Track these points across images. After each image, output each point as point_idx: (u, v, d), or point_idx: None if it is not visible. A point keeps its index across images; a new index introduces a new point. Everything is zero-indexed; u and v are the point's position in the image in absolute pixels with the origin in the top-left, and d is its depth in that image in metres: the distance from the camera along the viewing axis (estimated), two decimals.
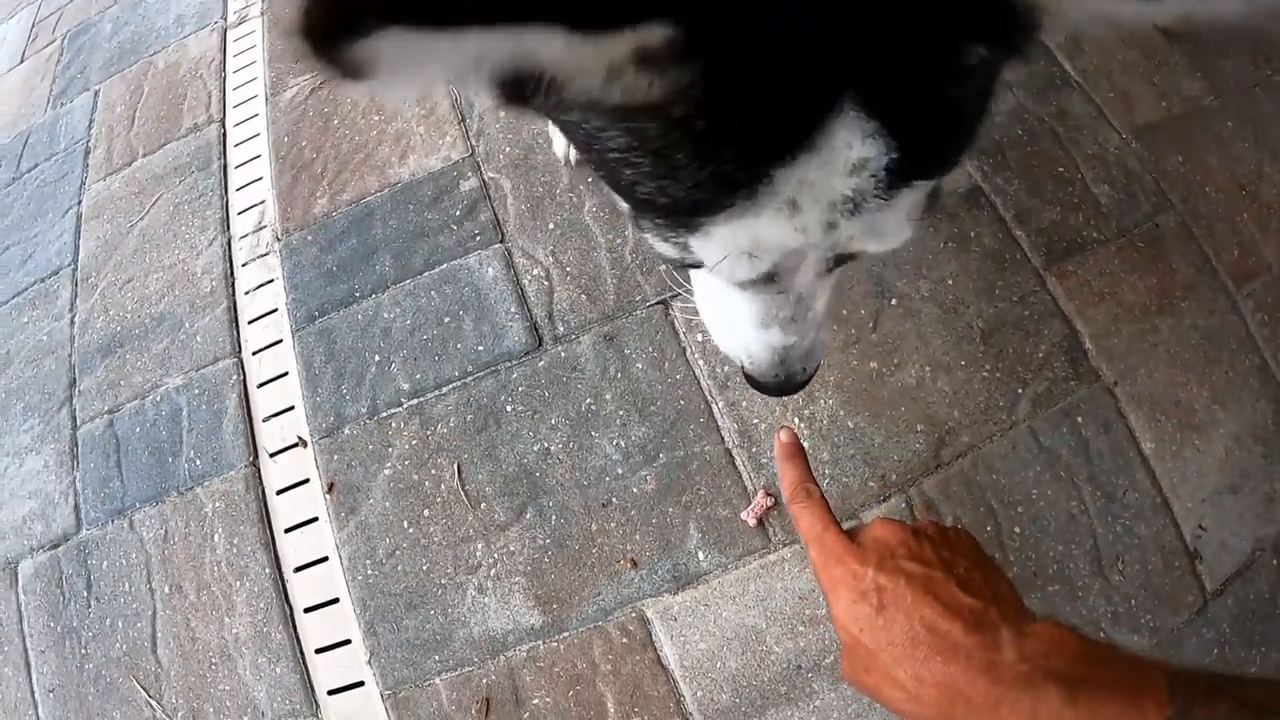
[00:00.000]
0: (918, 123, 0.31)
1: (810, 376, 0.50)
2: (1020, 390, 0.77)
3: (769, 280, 0.39)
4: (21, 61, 1.38)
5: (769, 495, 0.70)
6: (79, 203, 1.10)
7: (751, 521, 0.70)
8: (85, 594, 0.91)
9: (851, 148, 0.30)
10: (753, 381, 0.50)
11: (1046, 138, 0.94)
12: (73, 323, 1.02)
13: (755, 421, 0.74)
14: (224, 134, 1.00)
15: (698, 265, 0.38)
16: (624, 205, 0.38)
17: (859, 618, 0.39)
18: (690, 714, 0.68)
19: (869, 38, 0.28)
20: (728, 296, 0.45)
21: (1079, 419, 0.79)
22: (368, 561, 0.74)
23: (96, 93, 1.19)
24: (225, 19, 1.13)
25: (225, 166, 0.96)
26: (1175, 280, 0.92)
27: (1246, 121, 1.07)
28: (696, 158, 0.30)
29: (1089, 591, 0.74)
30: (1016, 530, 0.73)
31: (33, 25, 1.40)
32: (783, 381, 0.49)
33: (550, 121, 0.82)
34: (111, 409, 0.93)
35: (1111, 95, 1.02)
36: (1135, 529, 0.78)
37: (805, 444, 0.76)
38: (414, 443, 0.73)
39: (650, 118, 0.28)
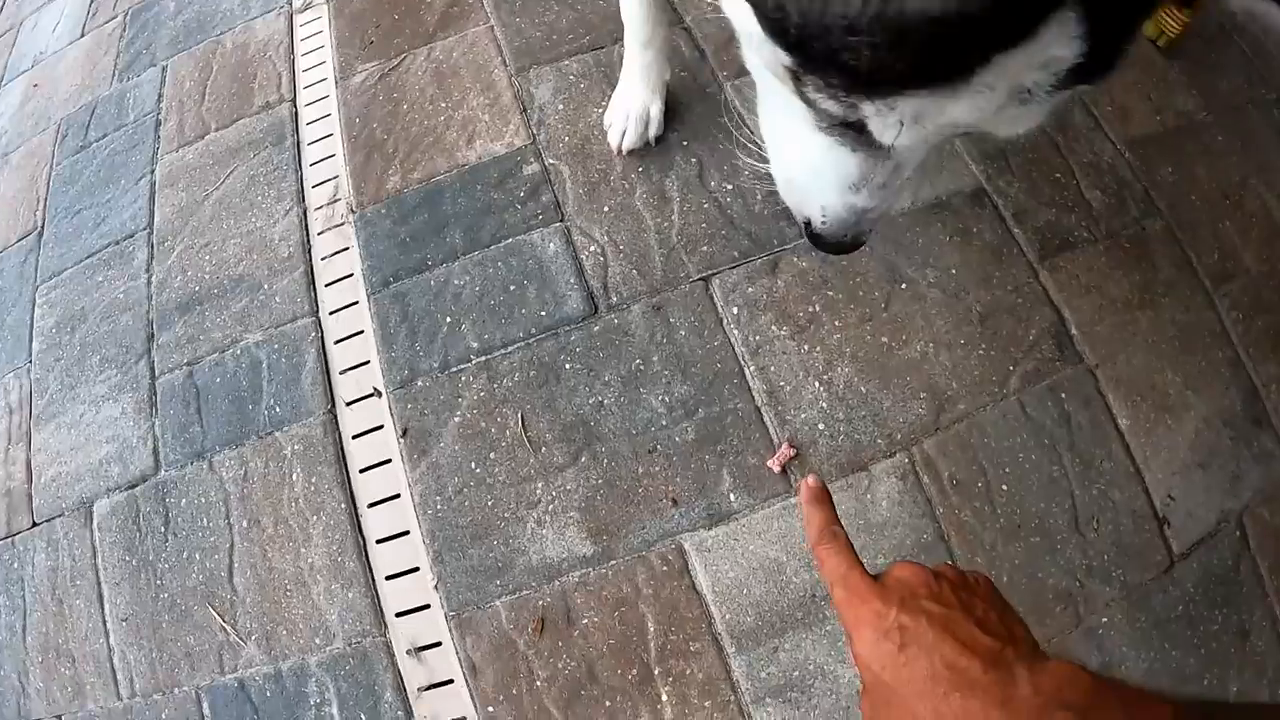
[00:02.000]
0: (1109, 35, 0.35)
1: (863, 243, 0.52)
2: (1011, 367, 0.91)
3: (863, 130, 0.39)
4: (83, 35, 1.50)
5: (792, 446, 0.83)
6: (152, 171, 1.22)
7: (776, 468, 0.83)
8: (162, 530, 1.03)
9: (1058, 44, 0.33)
10: (816, 240, 0.52)
11: (1047, 146, 1.08)
12: (149, 282, 1.14)
13: (781, 384, 0.87)
14: (295, 113, 1.13)
15: (854, 124, 0.39)
16: (792, 81, 0.39)
17: (881, 655, 0.41)
18: (720, 634, 0.81)
19: None
20: (825, 154, 0.45)
21: (1062, 395, 0.93)
22: (437, 498, 0.87)
23: (164, 68, 1.31)
24: (290, 3, 1.26)
25: (299, 143, 1.09)
26: (1157, 278, 1.06)
27: (1237, 136, 1.22)
28: (939, 28, 0.31)
29: (1066, 545, 0.88)
30: (1004, 488, 0.87)
31: (91, 0, 1.52)
32: (848, 242, 0.51)
33: (608, 113, 0.97)
34: (191, 361, 1.06)
35: (1110, 109, 1.16)
36: (1109, 494, 0.92)
37: (824, 405, 0.91)
38: (482, 394, 0.87)
39: None
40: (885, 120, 0.37)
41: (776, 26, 0.36)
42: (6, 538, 1.13)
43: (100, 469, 1.09)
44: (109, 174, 1.28)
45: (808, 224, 0.52)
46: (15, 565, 1.11)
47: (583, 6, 1.07)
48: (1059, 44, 0.33)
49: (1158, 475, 0.93)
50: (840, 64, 0.35)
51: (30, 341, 1.24)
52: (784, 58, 0.38)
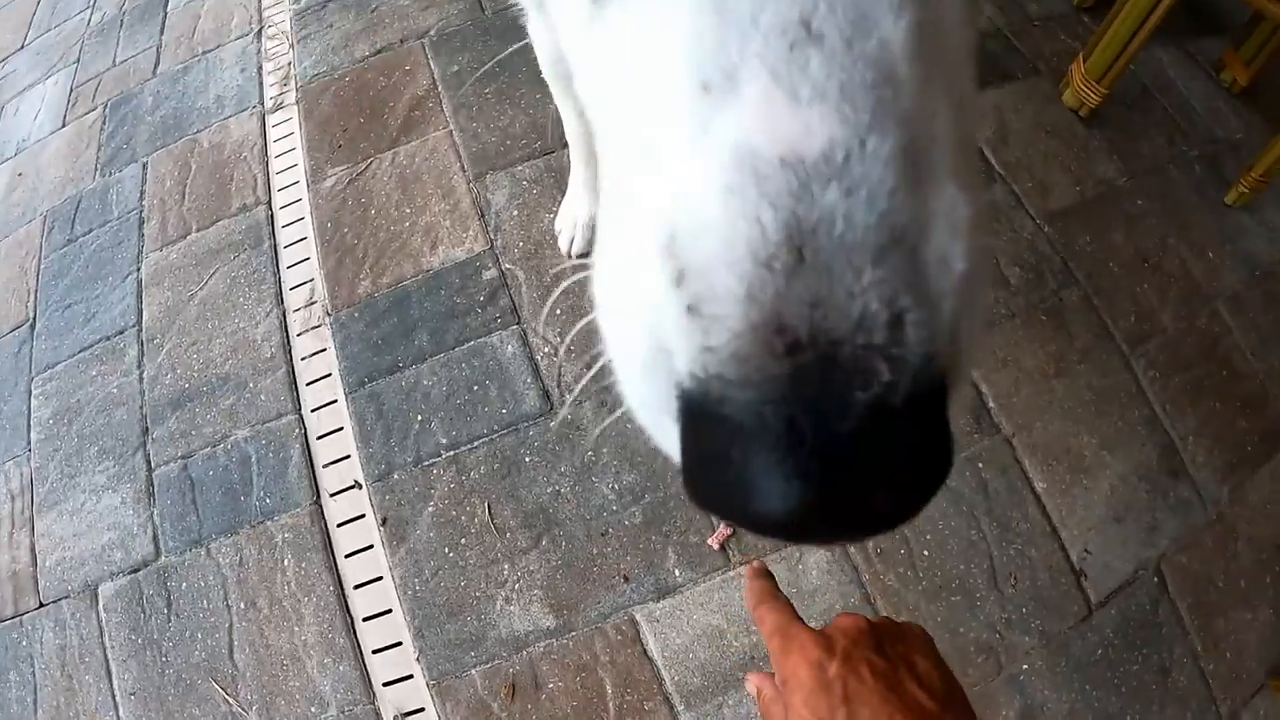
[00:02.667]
0: None
1: (928, 367, 0.36)
2: None
3: None
4: (63, 125, 1.66)
5: (728, 526, 1.00)
6: (138, 269, 1.39)
7: (715, 546, 1.00)
8: (165, 610, 1.20)
9: None
10: (711, 458, 0.31)
11: None
12: (141, 378, 1.31)
13: None
14: (271, 215, 1.29)
15: None
16: None
17: (819, 709, 0.43)
18: (670, 694, 0.98)
19: None
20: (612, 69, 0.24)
21: (980, 465, 1.09)
22: (416, 580, 1.04)
23: (145, 165, 1.48)
24: (263, 104, 1.43)
25: (275, 246, 1.25)
26: (1074, 346, 1.22)
27: (1157, 198, 1.38)
28: None
29: (986, 601, 1.04)
30: (925, 553, 1.04)
31: (71, 90, 1.68)
32: (807, 384, 0.24)
33: (558, 219, 1.13)
34: (185, 455, 1.23)
35: (1030, 185, 1.32)
36: (1026, 552, 1.08)
37: None
38: (452, 486, 1.03)
39: None
40: None
41: None
42: (14, 618, 1.30)
43: (104, 554, 1.26)
44: (96, 270, 1.45)
45: (684, 409, 0.28)
46: (24, 643, 1.28)
47: (534, 111, 1.23)
48: None
49: (1074, 532, 1.10)
50: None
51: (29, 431, 1.42)
52: None
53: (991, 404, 1.08)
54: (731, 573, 0.97)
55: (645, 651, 0.96)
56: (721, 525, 0.98)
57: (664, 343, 0.20)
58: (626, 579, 0.98)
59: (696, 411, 0.19)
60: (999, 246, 1.19)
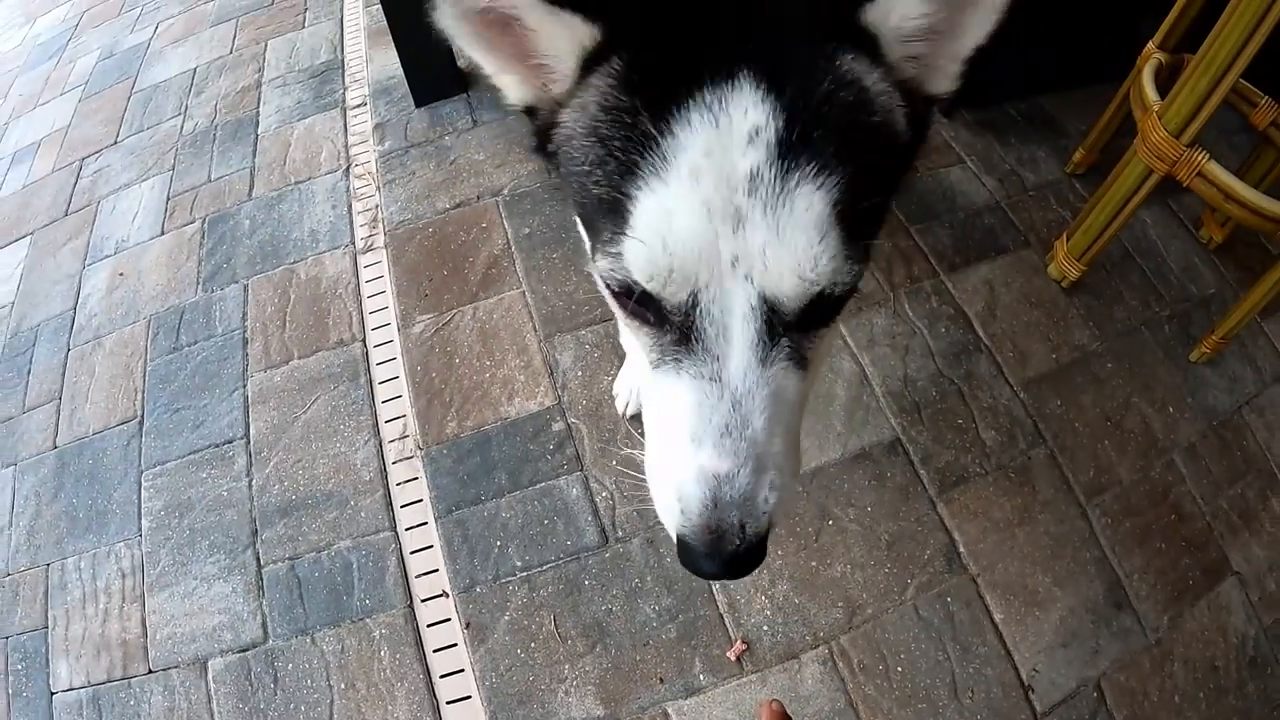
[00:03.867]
0: (804, 100, 0.49)
1: (750, 550, 0.56)
2: (909, 580, 1.51)
3: (692, 344, 0.56)
4: (163, 233, 2.09)
5: (744, 642, 1.43)
6: (244, 386, 1.84)
7: (733, 658, 1.42)
8: (272, 686, 1.65)
9: (746, 114, 0.48)
10: (685, 552, 0.59)
11: (954, 396, 1.68)
12: (250, 485, 1.77)
13: (737, 597, 1.46)
14: (366, 353, 1.73)
15: (629, 289, 0.55)
16: (589, 243, 0.60)
17: None
18: None
19: (764, 33, 0.51)
20: (658, 405, 0.60)
21: (948, 599, 1.53)
22: (492, 673, 1.48)
23: (246, 287, 1.91)
24: (354, 244, 1.90)
25: (371, 381, 1.69)
26: (1037, 498, 1.65)
27: (1125, 359, 1.80)
28: (627, 127, 0.52)
29: (947, 709, 1.47)
30: (898, 669, 1.48)
31: (168, 199, 2.14)
32: (716, 540, 0.56)
33: (616, 384, 1.60)
34: (292, 556, 1.68)
35: (1011, 355, 1.76)
36: (983, 670, 1.51)
37: (768, 613, 1.53)
38: (524, 600, 1.43)
39: (599, 107, 0.54)
40: (642, 250, 0.52)
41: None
42: (123, 679, 1.75)
43: (214, 634, 1.70)
44: (203, 381, 1.90)
45: (679, 540, 0.60)
46: (132, 703, 1.70)
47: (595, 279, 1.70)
48: (750, 113, 0.51)
49: (1025, 654, 1.53)
50: (598, 208, 0.56)
51: (139, 518, 1.86)
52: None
53: (961, 549, 1.52)
54: (743, 679, 1.41)
55: None
56: (739, 641, 1.43)
57: (673, 519, 0.60)
58: (662, 680, 1.41)
59: (682, 541, 0.59)
60: (976, 413, 1.65)
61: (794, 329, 0.56)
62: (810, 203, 0.50)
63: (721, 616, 1.41)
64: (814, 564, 1.44)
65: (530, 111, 0.65)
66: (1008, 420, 1.61)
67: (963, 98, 0.92)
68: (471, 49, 0.60)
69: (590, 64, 0.57)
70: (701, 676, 1.38)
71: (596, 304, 1.64)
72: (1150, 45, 1.69)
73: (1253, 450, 1.68)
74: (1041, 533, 1.55)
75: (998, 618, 1.46)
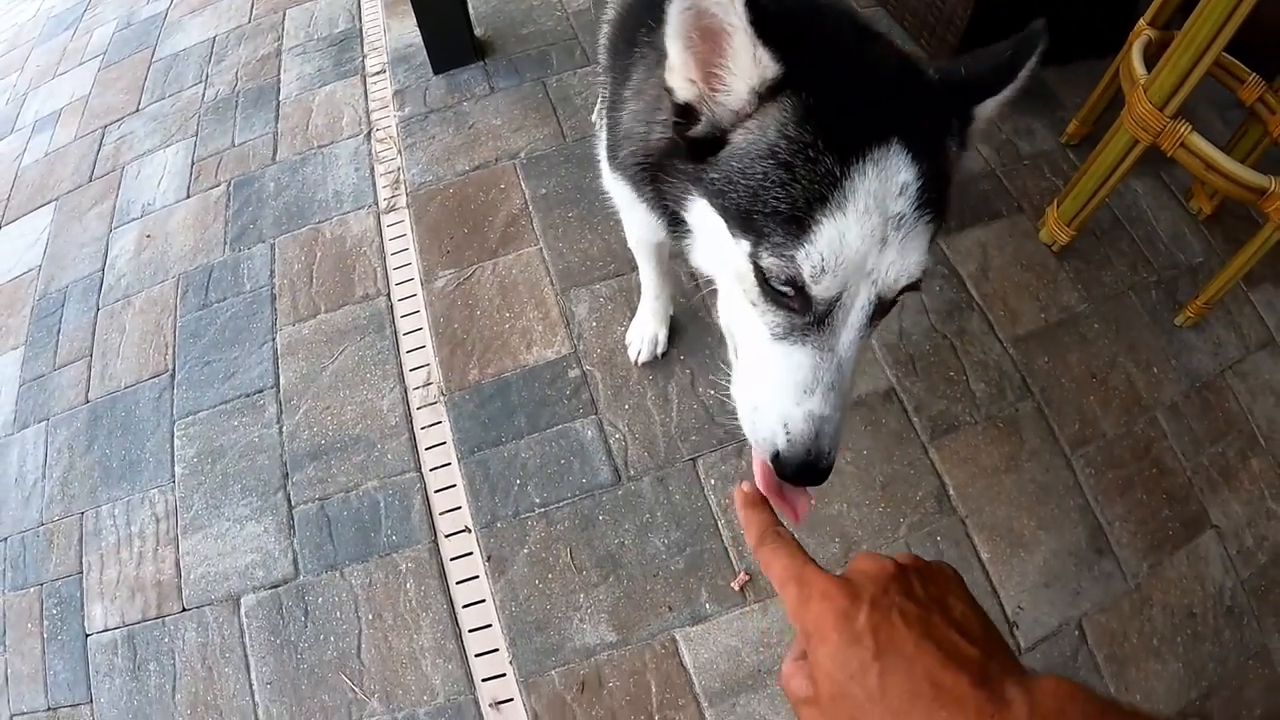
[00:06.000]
0: (931, 165, 0.70)
1: (830, 466, 0.74)
2: (901, 519, 1.66)
3: (823, 325, 0.72)
4: (188, 196, 2.26)
5: (747, 574, 1.61)
6: (273, 339, 1.99)
7: (737, 588, 1.58)
8: (303, 618, 1.81)
9: (900, 173, 0.68)
10: (781, 465, 0.74)
11: (946, 350, 1.83)
12: (281, 431, 1.92)
13: (740, 532, 1.65)
14: (391, 306, 1.89)
15: (793, 283, 0.71)
16: (748, 242, 0.74)
17: (849, 664, 0.44)
18: (698, 694, 1.55)
19: (907, 107, 0.72)
20: (781, 361, 0.75)
21: (938, 538, 1.68)
22: (511, 603, 1.64)
23: (273, 246, 2.05)
24: (377, 204, 2.06)
25: (396, 333, 1.84)
26: (1024, 448, 1.80)
27: (1111, 321, 1.95)
28: (811, 162, 0.69)
29: None
30: None
31: (192, 163, 2.30)
32: (811, 462, 0.73)
33: (628, 334, 1.78)
34: (321, 497, 1.83)
35: (1002, 313, 1.92)
36: None
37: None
38: (542, 534, 1.59)
39: (781, 136, 0.71)
40: (816, 258, 0.69)
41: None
42: (157, 618, 1.91)
43: (246, 572, 1.85)
44: (233, 335, 2.04)
45: (776, 455, 0.74)
46: (165, 640, 1.86)
47: (609, 237, 1.78)
48: (902, 170, 0.69)
49: (1010, 593, 1.67)
50: (769, 214, 0.72)
51: (173, 466, 2.01)
52: (746, 245, 0.73)
53: (951, 492, 1.68)
54: (746, 608, 1.57)
55: (681, 662, 1.55)
56: (742, 573, 1.59)
57: (775, 443, 0.75)
58: (670, 609, 1.57)
59: (781, 459, 0.75)
60: (967, 366, 1.81)
61: (879, 314, 0.77)
62: (925, 234, 0.73)
63: (726, 549, 1.56)
64: (813, 502, 1.59)
65: (685, 112, 0.80)
66: (997, 374, 1.76)
67: None
68: (674, 38, 0.75)
69: (766, 95, 0.74)
70: (707, 605, 1.54)
71: (610, 259, 1.80)
72: (1141, 22, 1.83)
73: (1235, 412, 1.82)
74: (1028, 480, 1.70)
75: (984, 557, 1.61)
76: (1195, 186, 2.07)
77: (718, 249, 0.82)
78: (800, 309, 0.75)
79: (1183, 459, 1.75)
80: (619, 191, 1.18)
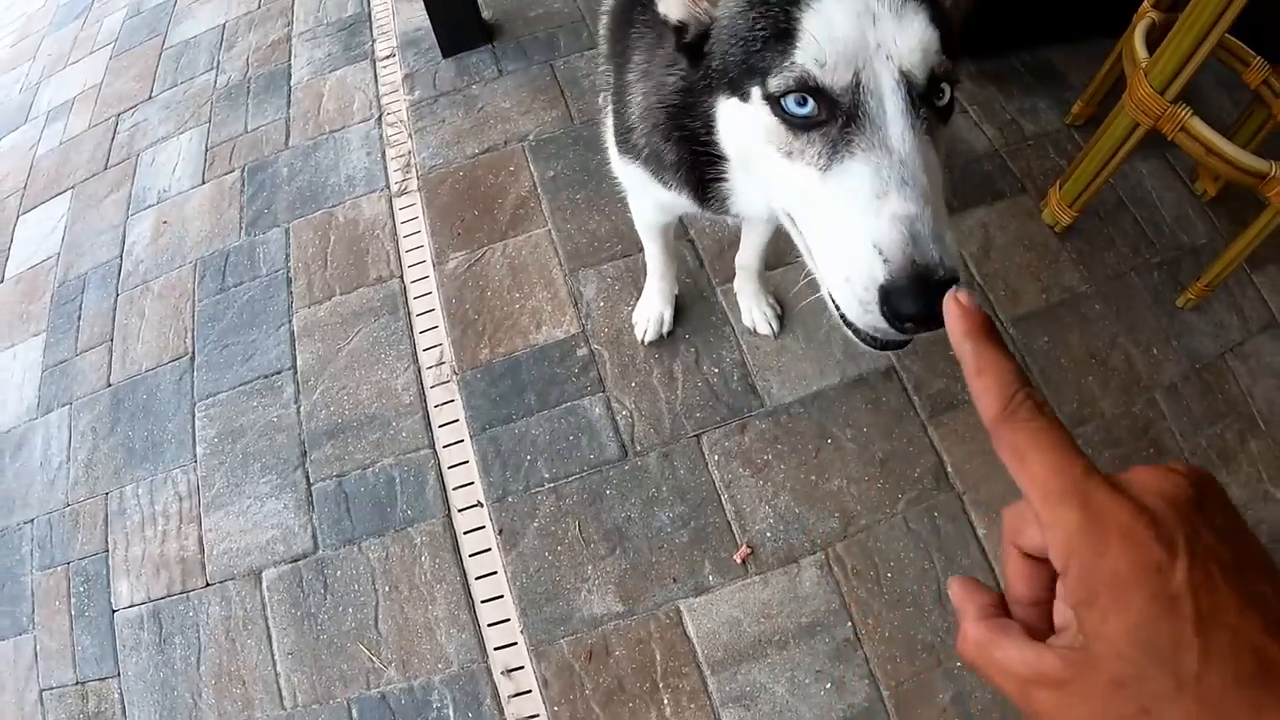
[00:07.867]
0: None
1: (953, 275, 0.64)
2: (900, 495, 1.76)
3: (861, 125, 0.71)
4: (203, 182, 2.37)
5: (749, 547, 1.70)
6: (289, 321, 2.10)
7: (739, 561, 1.69)
8: (322, 591, 1.93)
9: None
10: (892, 300, 0.66)
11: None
12: (299, 411, 2.03)
13: (744, 506, 1.73)
14: (404, 288, 1.99)
15: (806, 87, 0.73)
16: (758, 88, 0.77)
17: (1158, 640, 0.32)
18: (701, 663, 1.67)
19: None
20: (839, 195, 0.72)
21: (936, 514, 1.77)
22: (522, 574, 1.75)
23: (287, 230, 2.16)
24: (389, 188, 2.15)
25: (409, 314, 1.95)
26: None
27: (1113, 301, 2.02)
28: None
29: (931, 613, 1.69)
30: (888, 575, 1.73)
31: (206, 150, 2.41)
32: (921, 272, 0.64)
33: (635, 314, 1.87)
34: (339, 474, 1.95)
35: (1003, 293, 1.99)
36: None
37: (770, 521, 1.80)
38: (552, 508, 1.71)
39: None
40: (810, 50, 0.72)
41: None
42: (182, 593, 2.04)
43: (267, 547, 1.97)
44: (250, 318, 2.16)
45: (885, 294, 0.66)
46: (190, 614, 1.99)
47: (615, 219, 1.88)
48: None
49: None
50: None
51: (194, 446, 2.13)
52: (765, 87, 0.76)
53: (949, 469, 1.77)
54: (747, 580, 1.67)
55: (685, 632, 1.66)
56: (744, 545, 1.69)
57: (875, 276, 0.66)
58: (675, 580, 1.68)
59: (887, 291, 0.65)
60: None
61: (925, 103, 0.75)
62: (916, 10, 0.74)
63: (729, 523, 1.66)
64: (813, 478, 1.69)
65: (679, 30, 0.89)
66: None
67: (969, 47, 1.12)
68: None
69: None
70: (710, 577, 1.64)
71: (617, 240, 1.90)
72: (1145, 3, 1.88)
73: (1234, 394, 1.88)
74: None
75: (980, 532, 1.71)
76: (1199, 168, 2.13)
77: (750, 136, 0.84)
78: (829, 113, 0.75)
79: (1181, 440, 1.82)
80: (629, 175, 1.26)
